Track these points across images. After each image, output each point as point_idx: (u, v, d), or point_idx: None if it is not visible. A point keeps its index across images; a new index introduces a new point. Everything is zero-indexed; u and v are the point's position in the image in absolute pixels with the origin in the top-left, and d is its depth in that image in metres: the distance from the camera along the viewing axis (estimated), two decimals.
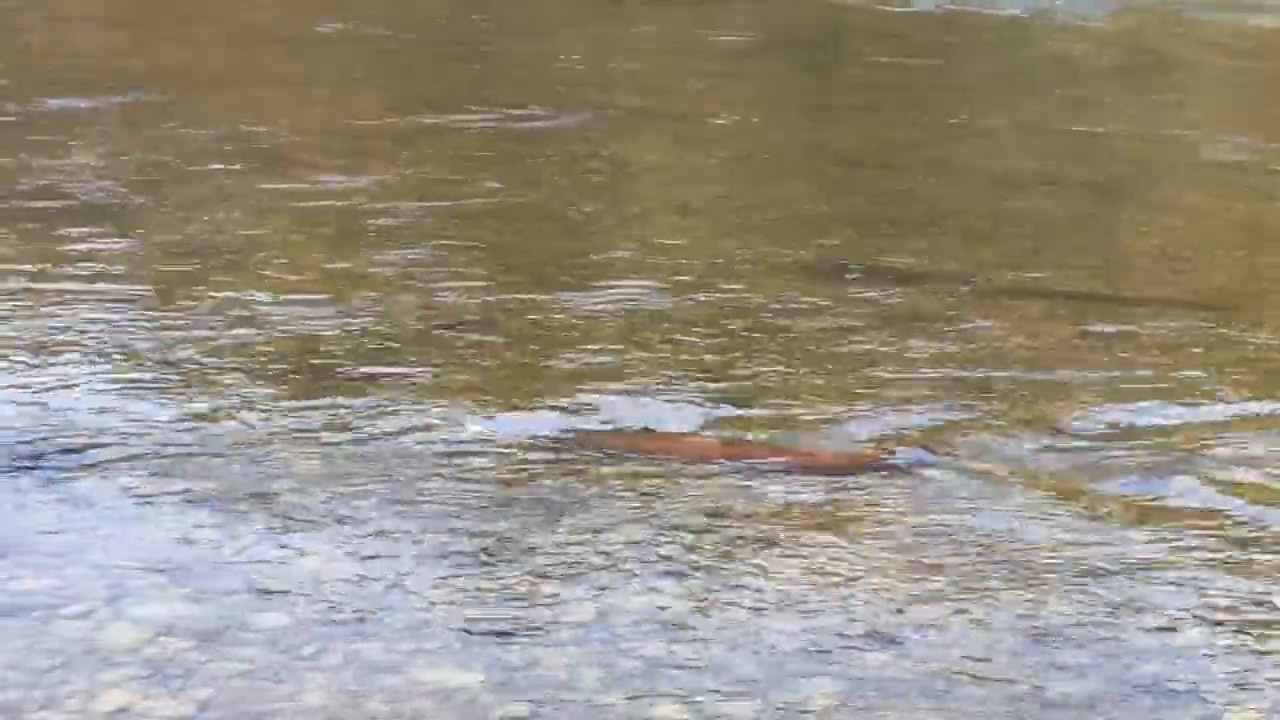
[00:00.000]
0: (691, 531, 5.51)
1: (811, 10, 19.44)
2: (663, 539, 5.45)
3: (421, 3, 18.66)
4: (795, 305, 8.01)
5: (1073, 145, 12.69)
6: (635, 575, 5.19)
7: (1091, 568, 5.37)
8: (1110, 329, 7.87)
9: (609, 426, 6.36)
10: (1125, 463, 6.23)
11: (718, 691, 4.57)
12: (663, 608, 5.01)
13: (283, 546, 5.31)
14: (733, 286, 8.29)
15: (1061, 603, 5.14)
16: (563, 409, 6.53)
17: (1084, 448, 6.37)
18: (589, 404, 6.58)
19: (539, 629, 4.86)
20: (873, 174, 11.38)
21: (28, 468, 5.83)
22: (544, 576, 5.18)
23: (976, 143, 12.77)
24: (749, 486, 5.88)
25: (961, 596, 5.15)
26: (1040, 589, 5.22)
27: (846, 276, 8.60)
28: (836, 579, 5.24)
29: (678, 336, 7.47)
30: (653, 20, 18.06)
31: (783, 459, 6.09)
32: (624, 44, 16.79)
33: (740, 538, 5.50)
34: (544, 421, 6.40)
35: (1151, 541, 5.61)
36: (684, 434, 6.36)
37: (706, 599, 5.07)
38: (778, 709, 4.50)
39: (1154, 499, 5.95)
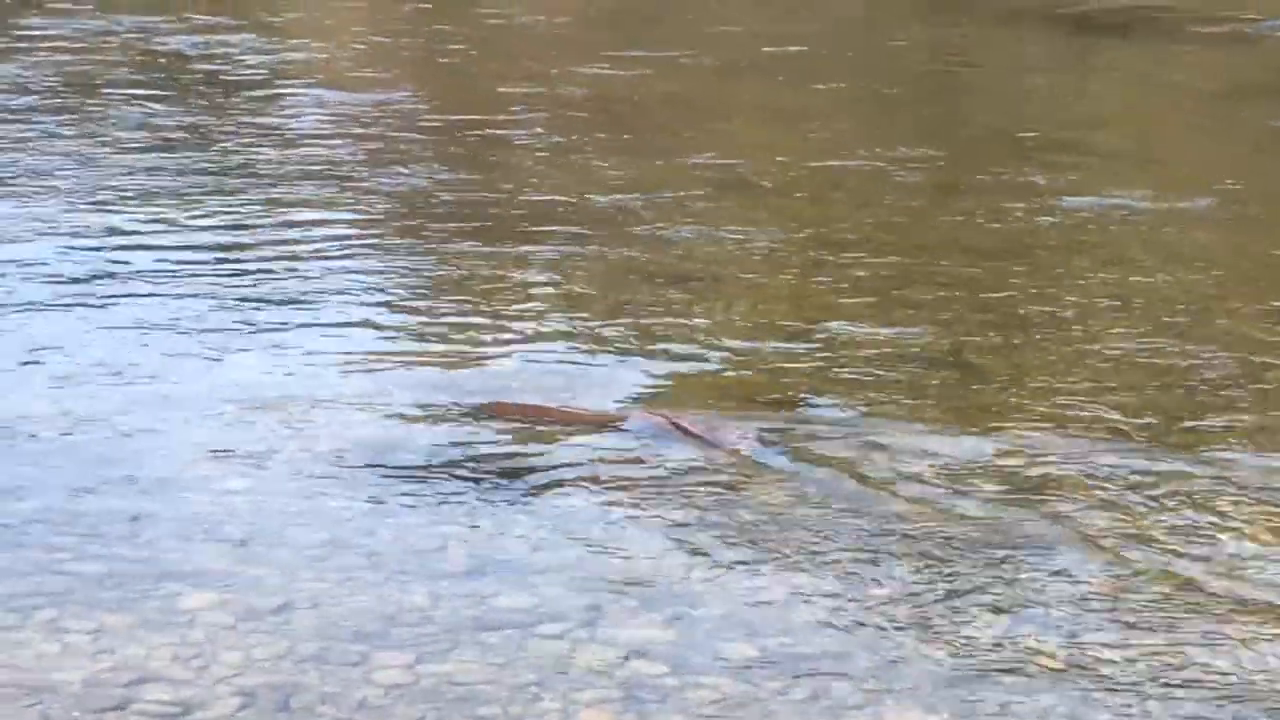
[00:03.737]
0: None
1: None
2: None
3: (897, 49, 18.62)
4: None
5: None
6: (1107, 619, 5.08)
7: None
8: None
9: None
10: None
11: None
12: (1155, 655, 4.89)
13: (754, 577, 5.34)
14: None
15: None
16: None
17: None
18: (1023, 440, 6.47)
19: (1008, 672, 4.79)
20: None
21: (508, 486, 5.98)
22: (1009, 615, 5.10)
23: None
24: None
25: None
26: None
27: None
28: None
29: None
30: (1114, 59, 17.69)
31: None
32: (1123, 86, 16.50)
33: None
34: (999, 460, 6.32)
35: None
36: None
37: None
38: None
39: None
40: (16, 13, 17.06)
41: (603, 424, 6.57)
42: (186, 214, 9.70)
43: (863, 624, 5.06)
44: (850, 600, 5.20)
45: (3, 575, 5.17)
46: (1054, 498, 5.98)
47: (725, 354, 7.49)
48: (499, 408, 6.69)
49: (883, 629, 5.03)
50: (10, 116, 12.42)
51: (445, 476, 6.04)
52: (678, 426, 6.45)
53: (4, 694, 4.53)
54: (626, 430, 6.52)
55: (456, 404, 6.72)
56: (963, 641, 4.97)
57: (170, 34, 16.81)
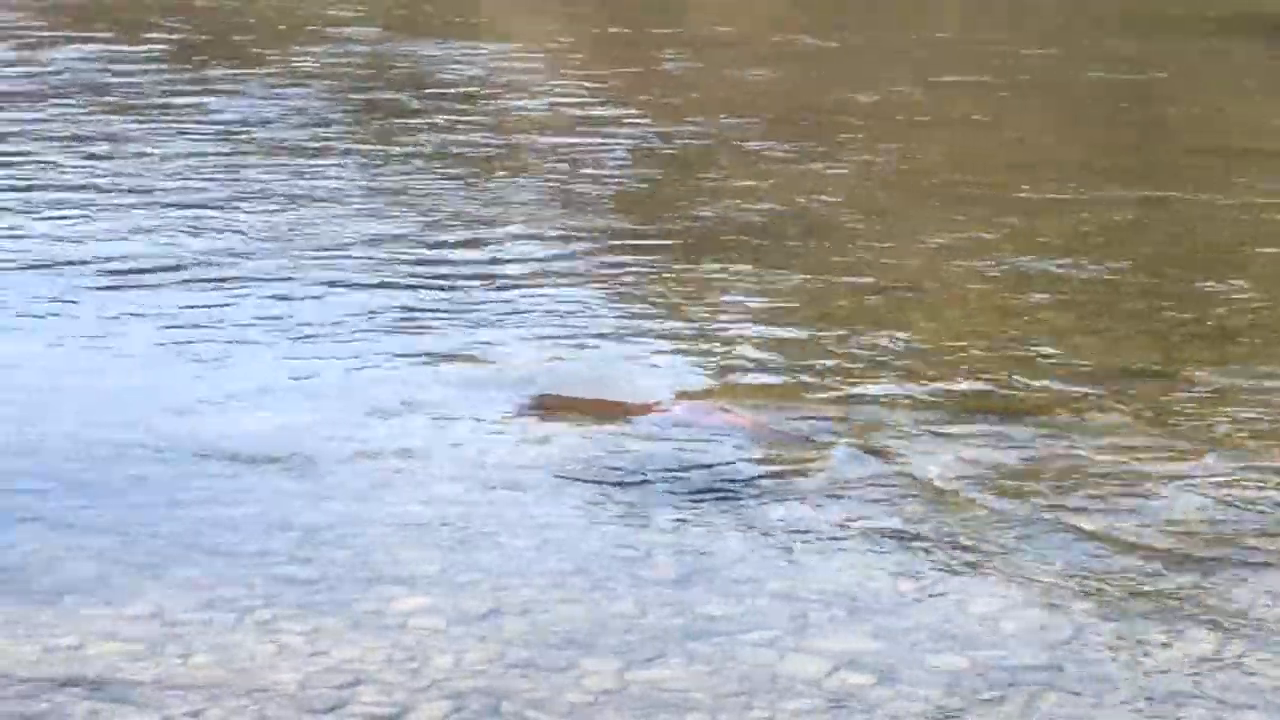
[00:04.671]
0: None
1: None
2: None
3: (1095, 59, 18.43)
4: None
5: None
6: None
7: None
8: None
9: None
10: None
11: None
12: None
13: (961, 588, 5.31)
14: None
15: None
16: None
17: None
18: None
19: (1219, 690, 4.73)
20: None
21: (714, 495, 6.00)
22: (1220, 632, 5.04)
23: None
24: None
25: None
26: None
27: None
28: None
29: None
30: None
31: None
32: None
33: None
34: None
35: None
36: None
37: None
38: None
39: None
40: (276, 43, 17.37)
41: (646, 413, 6.68)
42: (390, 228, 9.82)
43: (1072, 638, 5.01)
44: (1059, 614, 5.15)
45: (221, 577, 5.27)
46: (1269, 515, 5.89)
47: (930, 364, 7.45)
48: (547, 401, 6.82)
49: (1092, 643, 4.98)
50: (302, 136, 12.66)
51: (652, 485, 6.07)
52: (721, 412, 6.59)
53: (221, 694, 4.61)
54: (669, 418, 6.65)
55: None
56: (1172, 658, 4.91)
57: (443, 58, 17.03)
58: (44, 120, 12.68)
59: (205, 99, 13.66)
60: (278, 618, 5.03)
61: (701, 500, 5.95)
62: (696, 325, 8.06)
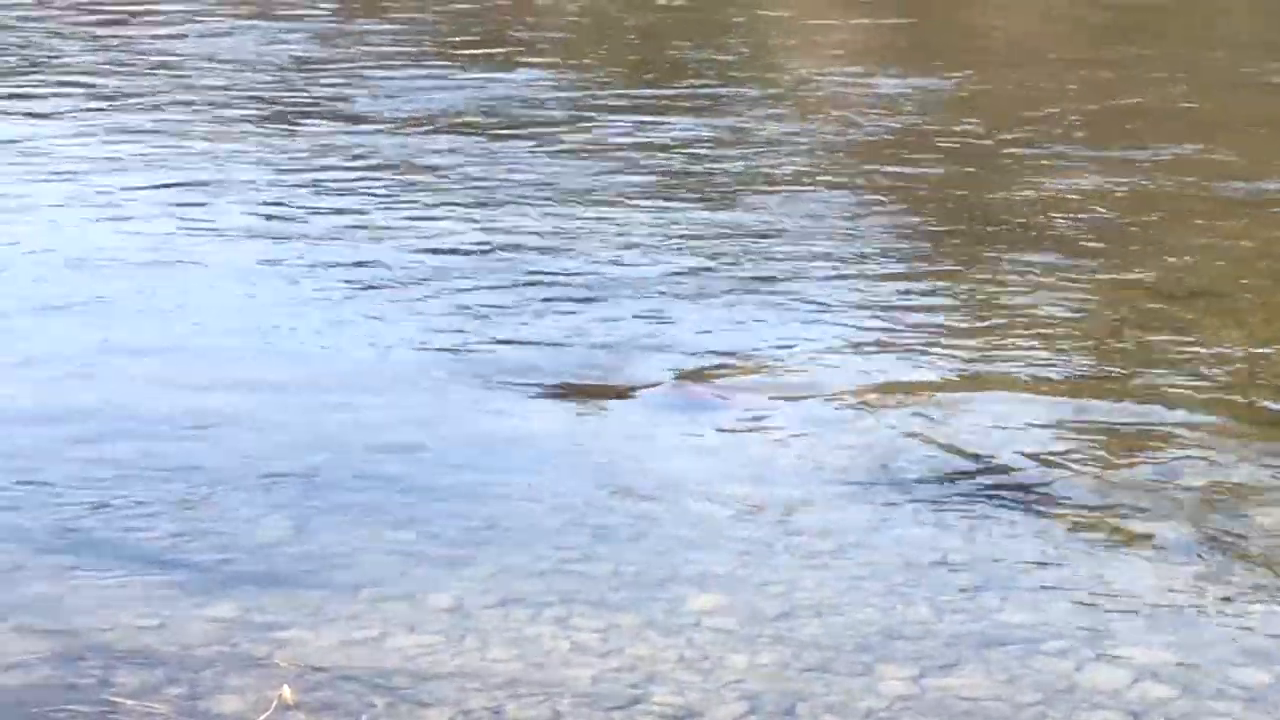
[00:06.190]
0: None
1: None
2: None
3: None
4: None
5: None
6: None
7: None
8: None
9: None
10: None
11: None
12: None
13: (1263, 602, 5.19)
14: None
15: None
16: None
17: None
18: None
19: None
20: None
21: (1008, 500, 5.93)
22: None
23: None
24: None
25: None
26: None
27: None
28: None
29: None
30: None
31: None
32: None
33: None
34: None
35: None
36: None
37: None
38: None
39: None
40: None
41: (623, 394, 6.87)
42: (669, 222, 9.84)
43: None
44: None
45: (517, 572, 5.33)
46: None
47: (1229, 372, 7.29)
48: (566, 388, 6.99)
49: None
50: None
51: (946, 489, 6.02)
52: (696, 393, 6.79)
53: (518, 688, 4.66)
54: (646, 399, 6.84)
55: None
56: None
57: None
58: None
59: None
60: (573, 614, 5.07)
61: (995, 505, 5.88)
62: (987, 320, 7.96)
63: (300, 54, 14.99)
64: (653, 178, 10.71)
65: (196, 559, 5.42)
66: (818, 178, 10.84)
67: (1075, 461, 6.29)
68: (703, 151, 11.41)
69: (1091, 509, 5.87)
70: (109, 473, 6.06)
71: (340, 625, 4.98)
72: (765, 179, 10.75)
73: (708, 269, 8.71)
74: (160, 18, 16.85)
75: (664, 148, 11.51)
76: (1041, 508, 5.86)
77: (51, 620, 4.99)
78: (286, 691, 4.55)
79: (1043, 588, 5.26)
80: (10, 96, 13.05)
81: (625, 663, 4.80)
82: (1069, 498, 5.95)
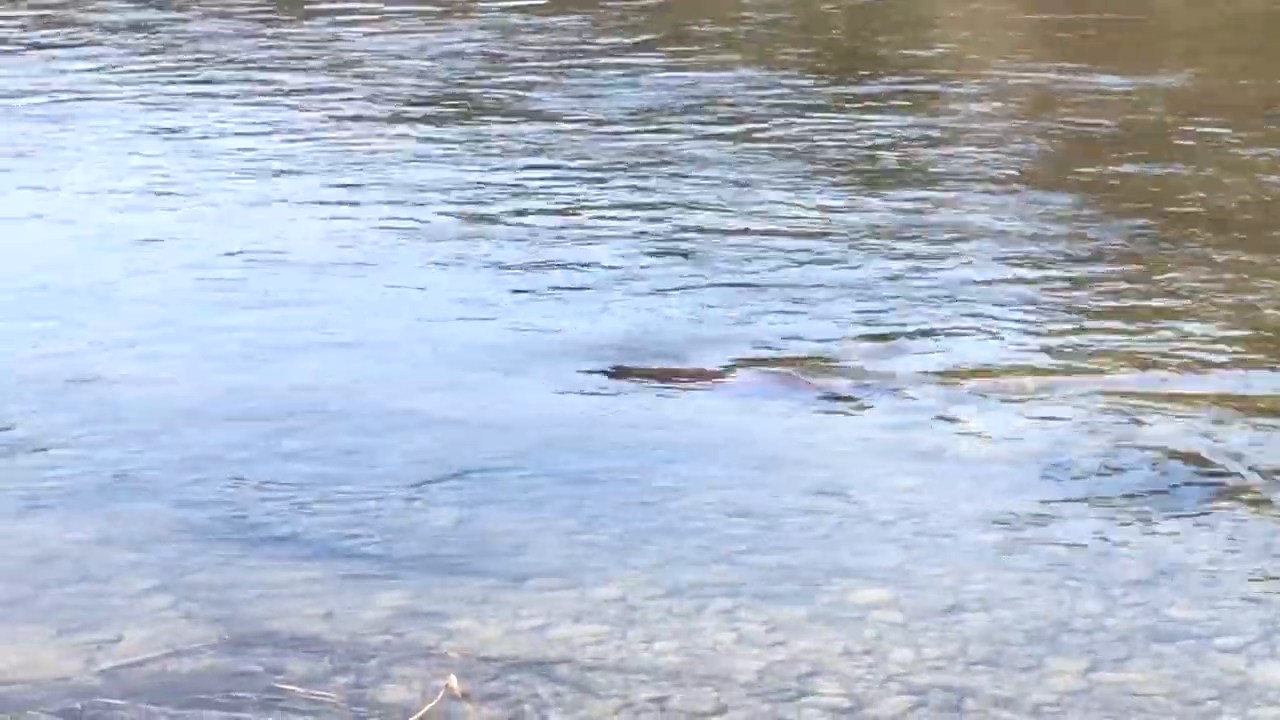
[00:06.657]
0: None
1: None
2: None
3: None
4: None
5: None
6: None
7: None
8: None
9: None
10: None
11: None
12: None
13: None
14: None
15: None
16: None
17: None
18: None
19: None
20: None
21: (1180, 493, 5.85)
22: None
23: None
24: None
25: None
26: None
27: None
28: None
29: None
30: None
31: None
32: None
33: None
34: None
35: None
36: None
37: None
38: None
39: None
40: None
41: (713, 379, 6.93)
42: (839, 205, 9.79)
43: None
44: None
45: (683, 564, 5.32)
46: None
47: None
48: (622, 371, 7.04)
49: None
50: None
51: (1116, 481, 5.94)
52: (790, 378, 6.82)
53: (682, 679, 4.65)
54: (734, 385, 6.89)
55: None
56: None
57: None
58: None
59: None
60: (738, 606, 5.05)
61: (1166, 498, 5.80)
62: (1156, 310, 7.84)
63: (488, 50, 15.00)
64: (857, 176, 10.62)
65: (364, 549, 5.47)
66: (1036, 176, 10.70)
67: (1253, 457, 6.18)
68: (914, 149, 11.28)
69: (1268, 505, 5.77)
70: (278, 465, 6.12)
71: (506, 615, 5.00)
72: (982, 177, 10.61)
73: (917, 270, 8.57)
74: (348, 16, 16.92)
75: (872, 145, 11.39)
76: (1213, 503, 5.77)
77: (221, 609, 5.05)
78: (453, 681, 4.57)
79: (1215, 582, 5.18)
80: (189, 95, 13.20)
81: (791, 655, 4.78)
82: (1244, 493, 5.85)
